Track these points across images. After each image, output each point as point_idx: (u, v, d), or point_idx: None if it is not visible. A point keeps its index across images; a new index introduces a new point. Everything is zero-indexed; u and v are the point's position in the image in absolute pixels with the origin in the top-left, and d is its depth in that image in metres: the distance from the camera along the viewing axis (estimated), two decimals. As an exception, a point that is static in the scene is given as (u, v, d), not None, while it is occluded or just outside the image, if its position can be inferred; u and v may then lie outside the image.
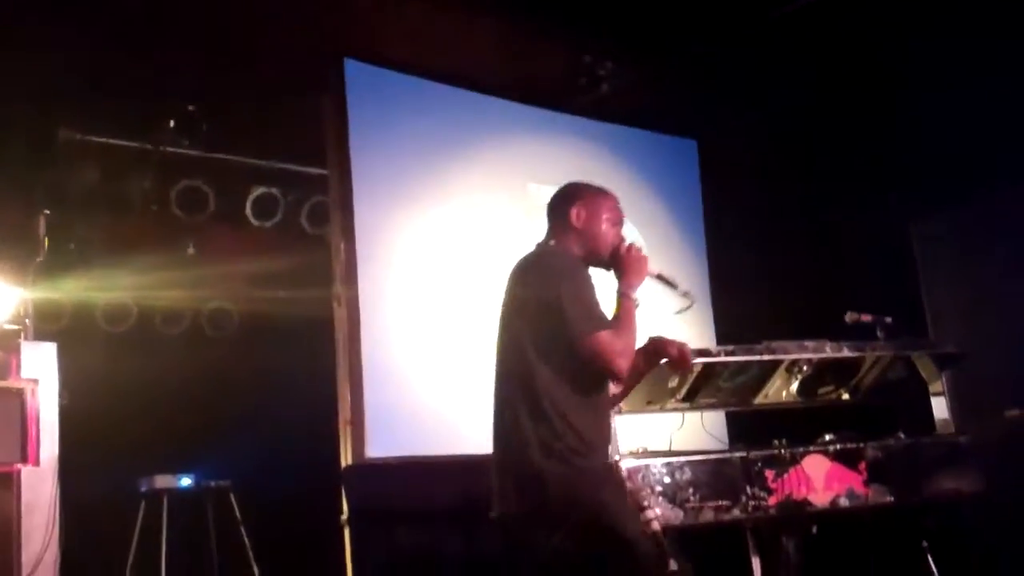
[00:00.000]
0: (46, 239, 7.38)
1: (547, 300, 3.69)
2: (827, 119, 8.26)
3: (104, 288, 8.40)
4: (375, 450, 6.43)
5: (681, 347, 4.20)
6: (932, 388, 5.52)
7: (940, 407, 5.47)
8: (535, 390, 3.65)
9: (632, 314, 3.70)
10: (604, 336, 3.58)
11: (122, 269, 8.28)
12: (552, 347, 3.66)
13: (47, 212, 7.45)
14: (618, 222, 4.02)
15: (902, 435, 5.23)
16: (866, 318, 5.41)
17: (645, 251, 3.93)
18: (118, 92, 7.14)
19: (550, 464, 3.54)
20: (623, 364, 3.59)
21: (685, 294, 4.09)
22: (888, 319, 5.42)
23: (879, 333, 5.39)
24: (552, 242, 4.03)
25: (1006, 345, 7.05)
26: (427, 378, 6.76)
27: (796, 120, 8.28)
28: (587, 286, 3.74)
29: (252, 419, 8.10)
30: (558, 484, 3.52)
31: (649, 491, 4.51)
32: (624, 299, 3.74)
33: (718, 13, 7.38)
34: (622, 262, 3.86)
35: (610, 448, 4.04)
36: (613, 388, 3.95)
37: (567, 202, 4.06)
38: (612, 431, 4.16)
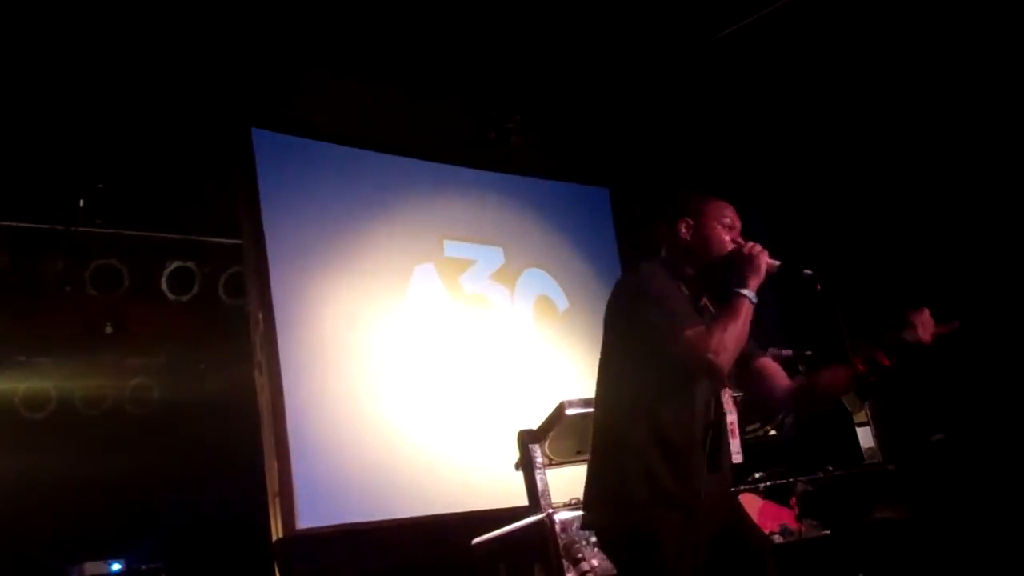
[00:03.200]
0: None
1: (625, 320, 3.56)
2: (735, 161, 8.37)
3: (21, 376, 8.24)
4: (306, 521, 6.34)
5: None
6: (856, 418, 5.56)
7: (866, 436, 5.51)
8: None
9: (738, 309, 3.39)
10: (691, 333, 3.35)
11: (39, 354, 8.13)
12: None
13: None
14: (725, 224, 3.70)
15: (831, 468, 5.25)
16: (786, 353, 5.44)
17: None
18: (24, 173, 7.05)
19: None
20: (722, 359, 3.33)
21: (809, 277, 3.64)
22: (808, 352, 5.46)
23: (800, 367, 5.42)
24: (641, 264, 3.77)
25: (926, 370, 7.12)
26: (355, 444, 6.70)
27: (705, 163, 8.37)
28: (663, 290, 3.52)
29: (180, 497, 7.97)
30: None
31: (584, 542, 4.48)
32: (732, 295, 3.45)
33: (621, 62, 7.48)
34: (733, 263, 3.55)
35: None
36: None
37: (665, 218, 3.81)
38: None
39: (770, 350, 5.43)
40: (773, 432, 5.66)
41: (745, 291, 3.43)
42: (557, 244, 8.39)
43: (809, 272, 3.58)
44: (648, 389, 3.47)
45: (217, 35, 6.55)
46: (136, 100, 6.83)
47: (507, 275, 8.05)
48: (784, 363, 5.41)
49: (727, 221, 3.66)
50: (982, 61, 6.87)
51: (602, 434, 3.62)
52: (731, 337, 3.34)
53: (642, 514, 3.36)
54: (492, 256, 8.00)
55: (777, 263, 3.56)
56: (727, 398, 3.56)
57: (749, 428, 5.57)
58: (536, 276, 8.24)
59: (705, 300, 3.68)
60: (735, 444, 3.52)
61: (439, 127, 7.85)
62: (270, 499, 6.46)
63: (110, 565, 7.68)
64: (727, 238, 3.63)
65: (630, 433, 3.46)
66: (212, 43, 6.61)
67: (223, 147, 7.08)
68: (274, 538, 6.40)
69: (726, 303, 3.45)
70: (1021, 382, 6.69)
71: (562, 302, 8.28)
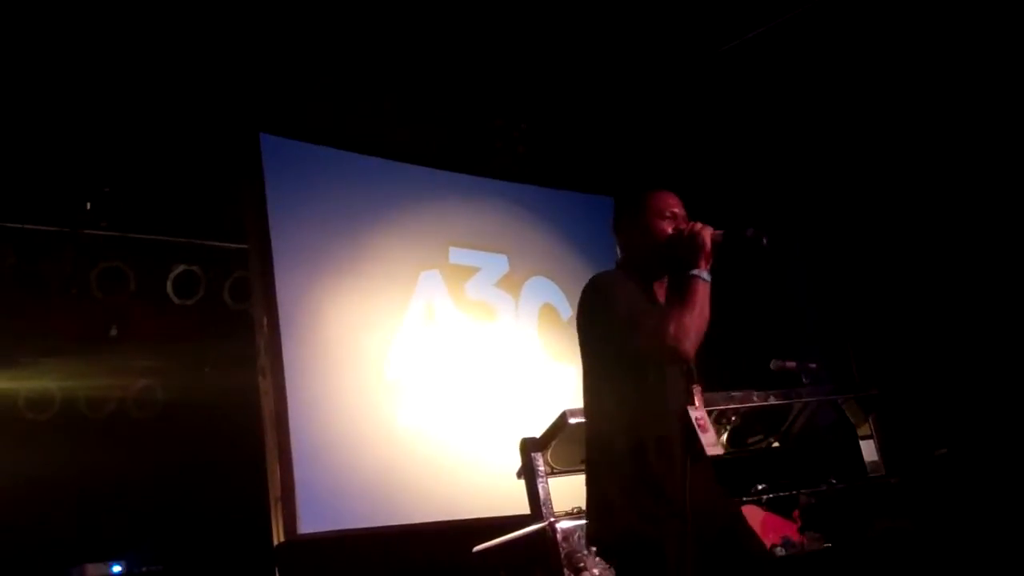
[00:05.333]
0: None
1: (587, 330, 3.66)
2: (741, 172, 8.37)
3: (26, 376, 8.25)
4: (307, 526, 6.33)
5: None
6: (860, 431, 5.55)
7: (869, 449, 5.50)
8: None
9: (692, 291, 3.42)
10: (649, 323, 3.40)
11: (43, 355, 8.13)
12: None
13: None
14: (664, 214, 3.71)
15: (834, 480, 5.24)
16: (791, 365, 5.44)
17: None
18: (32, 176, 7.06)
19: None
20: (685, 345, 3.34)
21: (753, 234, 3.62)
22: (812, 365, 5.45)
23: (804, 379, 5.42)
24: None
25: (930, 384, 7.13)
26: (357, 449, 6.70)
27: (711, 174, 8.37)
28: (615, 290, 3.59)
29: (182, 500, 7.97)
30: None
31: (585, 552, 4.47)
32: (683, 279, 3.48)
33: (628, 72, 7.49)
34: (677, 248, 3.58)
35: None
36: None
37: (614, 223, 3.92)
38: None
39: (773, 362, 5.46)
40: (776, 444, 5.66)
41: (694, 271, 3.46)
42: (562, 252, 8.40)
43: (752, 230, 3.59)
44: (623, 396, 3.51)
45: (226, 40, 6.56)
46: (144, 104, 6.85)
47: (512, 283, 8.05)
48: (787, 375, 5.43)
49: (668, 212, 3.69)
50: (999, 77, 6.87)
51: (591, 447, 3.63)
52: (690, 320, 3.37)
53: (634, 521, 3.36)
54: (497, 264, 8.00)
55: (720, 231, 3.56)
56: (697, 392, 3.59)
57: (752, 440, 5.57)
58: (541, 284, 8.24)
59: (663, 292, 3.70)
60: (707, 437, 3.50)
61: (445, 135, 7.87)
62: (272, 503, 6.46)
63: (111, 567, 7.68)
64: (669, 228, 3.66)
65: (614, 442, 3.48)
66: (221, 48, 6.61)
67: (230, 151, 7.09)
68: (275, 542, 6.39)
69: (679, 288, 3.48)
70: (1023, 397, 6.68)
71: (566, 310, 8.28)
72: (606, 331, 3.54)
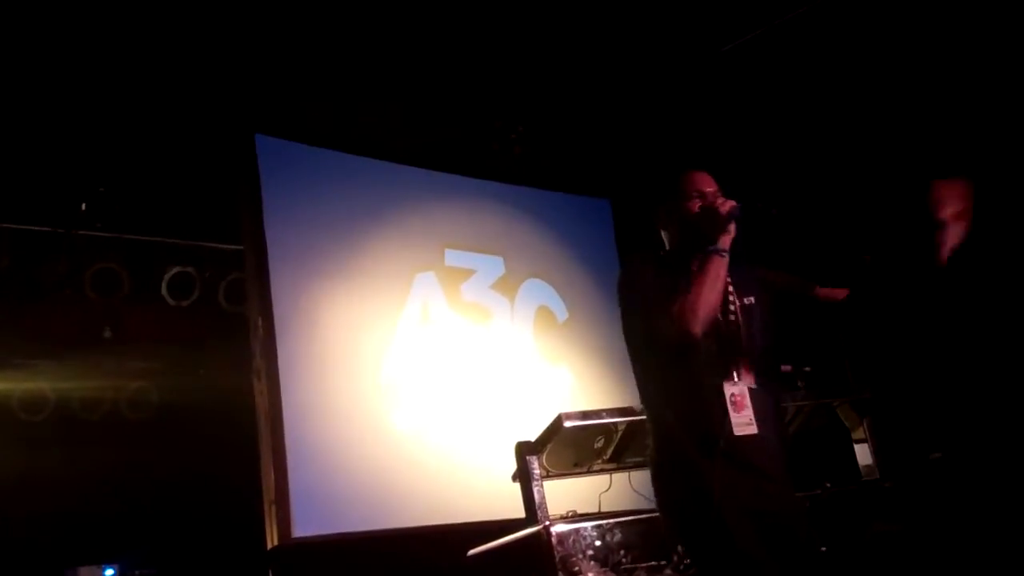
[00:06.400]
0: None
1: (621, 306, 3.76)
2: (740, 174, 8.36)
3: (20, 378, 8.23)
4: (301, 529, 6.32)
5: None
6: (855, 435, 5.55)
7: (864, 453, 5.50)
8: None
9: (706, 268, 3.46)
10: (663, 307, 3.46)
11: (38, 357, 8.12)
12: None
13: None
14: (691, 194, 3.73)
15: (828, 484, 5.24)
16: (785, 368, 5.43)
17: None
18: (27, 176, 7.05)
19: None
20: (686, 323, 3.39)
21: (762, 206, 3.68)
22: (807, 368, 5.45)
23: (799, 383, 5.41)
24: None
25: (925, 388, 7.13)
26: (352, 453, 6.68)
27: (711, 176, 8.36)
28: (633, 279, 3.70)
29: (176, 503, 7.96)
30: None
31: (581, 556, 4.46)
32: (703, 255, 3.51)
33: (625, 74, 7.49)
34: (701, 225, 3.61)
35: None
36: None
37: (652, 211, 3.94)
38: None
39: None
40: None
41: (711, 247, 3.51)
42: (558, 255, 8.40)
43: (760, 204, 3.61)
44: (659, 380, 3.58)
45: (221, 41, 6.55)
46: (139, 104, 6.84)
47: (508, 285, 8.04)
48: (783, 379, 5.42)
49: (696, 191, 3.70)
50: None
51: (651, 438, 3.65)
52: (696, 298, 3.41)
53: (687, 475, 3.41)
54: (493, 266, 7.99)
55: (736, 204, 3.57)
56: (739, 367, 3.56)
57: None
58: (536, 286, 8.23)
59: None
60: (739, 416, 3.48)
61: (442, 137, 7.86)
62: (266, 506, 6.45)
63: (104, 570, 7.66)
64: (696, 207, 3.67)
65: (661, 428, 3.55)
66: (216, 48, 6.60)
67: (226, 152, 7.09)
68: (269, 546, 6.39)
69: (699, 265, 3.51)
70: (1018, 402, 6.68)
71: (562, 313, 8.28)
72: (630, 321, 3.68)
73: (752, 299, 3.72)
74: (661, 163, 8.14)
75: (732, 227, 3.55)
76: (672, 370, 3.53)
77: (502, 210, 8.20)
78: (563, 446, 4.85)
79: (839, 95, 7.46)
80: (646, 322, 3.55)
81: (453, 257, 7.71)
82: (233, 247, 7.73)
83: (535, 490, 4.71)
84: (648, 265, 3.70)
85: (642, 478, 5.60)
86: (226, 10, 6.34)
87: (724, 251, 3.51)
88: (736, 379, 3.54)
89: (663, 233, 3.88)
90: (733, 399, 3.50)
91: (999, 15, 6.55)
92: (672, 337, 3.45)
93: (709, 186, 3.73)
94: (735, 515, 3.32)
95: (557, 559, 4.42)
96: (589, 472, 5.19)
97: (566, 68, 7.41)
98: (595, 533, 4.52)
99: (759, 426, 3.49)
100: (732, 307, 3.62)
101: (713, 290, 3.45)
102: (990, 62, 6.79)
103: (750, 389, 3.55)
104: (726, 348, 3.57)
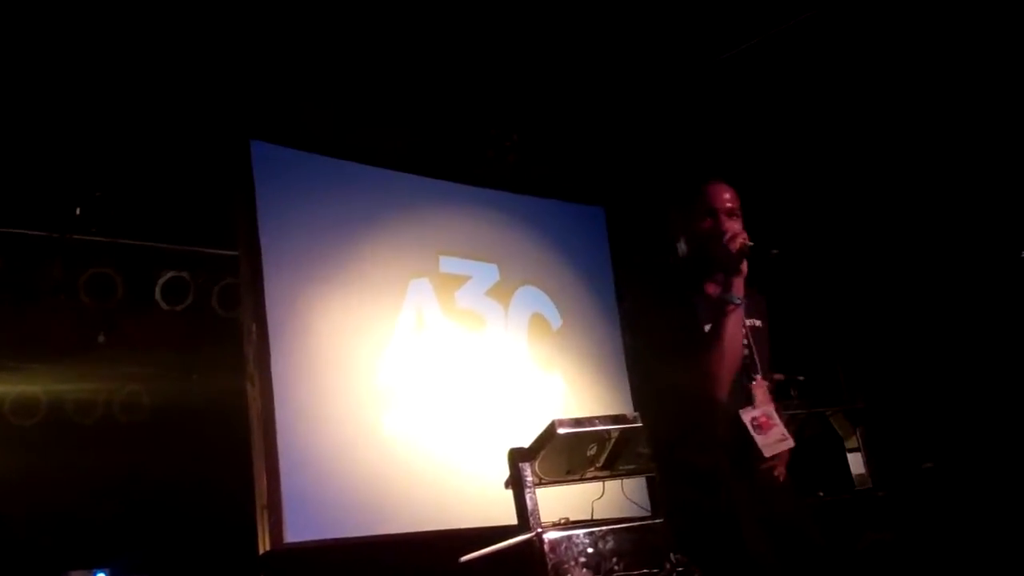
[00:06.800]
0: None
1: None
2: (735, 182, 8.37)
3: (12, 381, 8.21)
4: (293, 535, 6.30)
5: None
6: (847, 444, 5.57)
7: (856, 463, 5.51)
8: None
9: (723, 325, 3.41)
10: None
11: (31, 361, 8.11)
12: None
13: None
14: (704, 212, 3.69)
15: (821, 493, 5.25)
16: (779, 377, 5.44)
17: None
18: (21, 180, 7.05)
19: None
20: (714, 391, 3.39)
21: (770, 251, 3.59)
22: (800, 377, 5.47)
23: (792, 392, 5.43)
24: None
25: (917, 398, 7.15)
26: (345, 458, 6.67)
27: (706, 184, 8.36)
28: (662, 323, 3.59)
29: (168, 508, 7.94)
30: None
31: (573, 563, 4.47)
32: (717, 305, 3.46)
33: (619, 82, 7.50)
34: (713, 252, 3.57)
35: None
36: None
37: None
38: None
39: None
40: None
41: (727, 296, 3.45)
42: (552, 262, 8.40)
43: (774, 252, 3.54)
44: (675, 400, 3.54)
45: (217, 46, 6.55)
46: (135, 109, 6.83)
47: (502, 292, 8.04)
48: (776, 388, 5.43)
49: (708, 208, 3.67)
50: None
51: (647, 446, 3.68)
52: (717, 365, 3.38)
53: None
54: (487, 273, 8.00)
55: (746, 243, 3.51)
56: (757, 390, 3.55)
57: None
58: (531, 294, 8.23)
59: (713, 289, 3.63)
60: (764, 437, 3.47)
61: (437, 144, 7.87)
62: (258, 512, 6.43)
63: (96, 574, 7.64)
64: (707, 225, 3.63)
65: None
66: (212, 53, 6.60)
67: (221, 158, 7.08)
68: (261, 551, 6.37)
69: (713, 314, 3.46)
70: (1011, 411, 6.70)
71: (556, 320, 8.28)
72: (651, 360, 3.63)
73: (759, 322, 3.71)
74: (657, 171, 8.17)
75: (744, 266, 3.49)
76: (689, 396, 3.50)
77: (497, 217, 8.21)
78: (556, 453, 4.86)
79: (837, 103, 7.49)
80: (666, 374, 3.49)
81: (447, 264, 7.71)
82: (227, 252, 7.71)
83: (528, 497, 4.72)
84: (668, 307, 3.62)
85: (635, 486, 5.63)
86: (221, 15, 6.34)
87: (739, 300, 3.45)
88: (754, 404, 3.52)
89: (675, 240, 3.79)
90: (756, 423, 3.49)
91: (993, 20, 6.58)
92: (695, 398, 3.44)
93: (729, 202, 3.69)
94: (749, 524, 3.32)
95: (549, 566, 4.43)
96: (582, 479, 5.20)
97: (561, 75, 7.42)
98: (587, 540, 4.54)
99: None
100: (744, 335, 3.58)
101: (733, 351, 3.42)
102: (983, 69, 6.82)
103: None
104: (742, 376, 3.55)
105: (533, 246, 8.35)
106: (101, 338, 8.39)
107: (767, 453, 3.44)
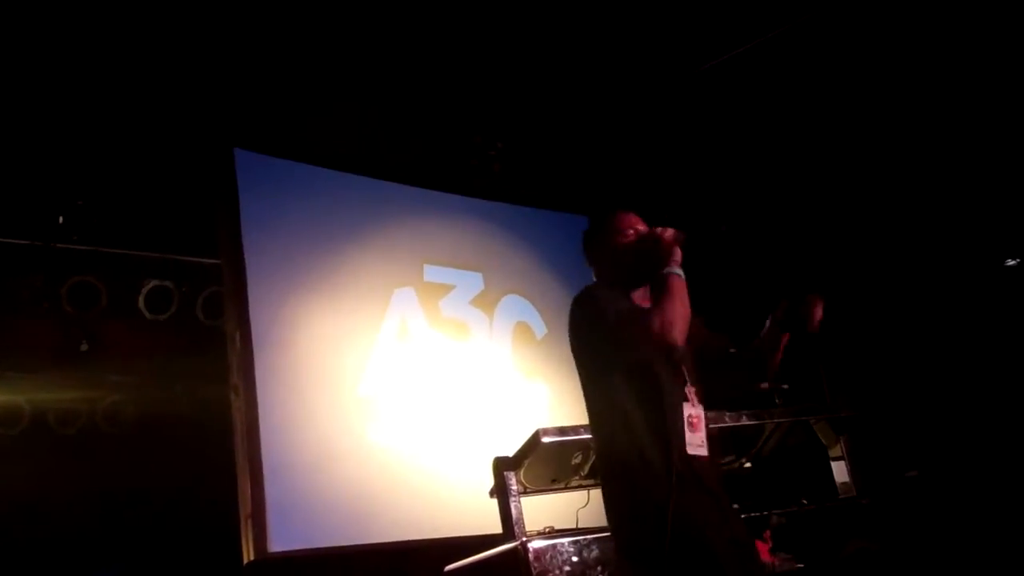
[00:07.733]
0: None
1: (581, 344, 3.85)
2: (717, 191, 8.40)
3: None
4: (277, 544, 6.29)
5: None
6: (831, 452, 5.57)
7: (840, 471, 5.52)
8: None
9: (669, 286, 3.56)
10: (638, 321, 3.56)
11: (13, 370, 8.06)
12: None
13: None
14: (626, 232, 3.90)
15: (805, 501, 5.25)
16: (763, 386, 5.45)
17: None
18: (2, 188, 7.02)
19: None
20: (673, 334, 3.46)
21: (724, 229, 3.98)
22: (785, 386, 5.47)
23: (776, 400, 5.43)
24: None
25: (901, 406, 7.17)
26: (329, 468, 6.66)
27: (687, 193, 8.40)
28: (603, 299, 3.75)
29: (151, 517, 7.90)
30: None
31: (558, 571, 4.46)
32: (659, 278, 3.61)
33: (603, 91, 7.51)
34: (644, 255, 3.75)
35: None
36: None
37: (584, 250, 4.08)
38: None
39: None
40: (748, 464, 5.67)
41: (667, 269, 3.61)
42: (537, 271, 8.41)
43: (723, 227, 3.89)
44: (621, 402, 3.61)
45: (201, 54, 6.55)
46: (118, 118, 6.83)
47: (486, 301, 8.05)
48: (761, 396, 5.45)
49: (629, 230, 3.86)
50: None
51: (602, 461, 3.73)
52: (672, 310, 3.50)
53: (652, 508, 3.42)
54: (472, 282, 8.00)
55: (680, 232, 3.70)
56: (691, 393, 3.68)
57: (724, 460, 5.57)
58: (515, 302, 8.24)
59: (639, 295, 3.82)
60: (694, 436, 3.59)
61: (422, 152, 7.88)
62: (242, 521, 6.41)
63: (78, 585, 7.61)
64: (632, 236, 3.84)
65: (619, 450, 3.57)
66: (196, 62, 6.60)
67: (204, 166, 7.07)
68: (245, 561, 6.35)
69: (657, 288, 3.61)
70: (995, 420, 6.72)
71: (540, 329, 8.29)
72: (598, 340, 3.71)
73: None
74: (639, 180, 8.19)
75: (679, 252, 3.66)
76: (638, 393, 3.60)
77: (481, 226, 8.22)
78: (541, 462, 4.85)
79: (820, 110, 7.51)
80: (621, 335, 3.60)
81: (432, 272, 7.71)
82: (211, 261, 7.69)
83: (512, 506, 4.71)
84: (613, 290, 3.80)
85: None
86: (205, 23, 6.34)
87: (681, 272, 3.62)
88: (693, 402, 3.66)
89: (596, 269, 4.01)
90: (690, 419, 3.62)
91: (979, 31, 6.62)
92: (652, 345, 3.53)
93: (640, 224, 3.89)
94: (718, 544, 3.40)
95: (534, 575, 4.42)
96: (567, 488, 5.19)
97: (546, 85, 7.43)
98: (572, 549, 4.53)
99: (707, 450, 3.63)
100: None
101: (684, 304, 3.55)
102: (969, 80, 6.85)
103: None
104: (681, 372, 3.70)
105: (518, 255, 8.36)
106: (84, 347, 8.35)
107: (689, 450, 3.56)
